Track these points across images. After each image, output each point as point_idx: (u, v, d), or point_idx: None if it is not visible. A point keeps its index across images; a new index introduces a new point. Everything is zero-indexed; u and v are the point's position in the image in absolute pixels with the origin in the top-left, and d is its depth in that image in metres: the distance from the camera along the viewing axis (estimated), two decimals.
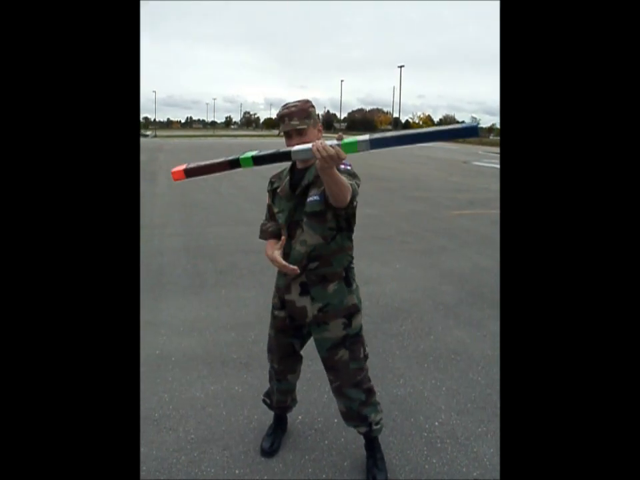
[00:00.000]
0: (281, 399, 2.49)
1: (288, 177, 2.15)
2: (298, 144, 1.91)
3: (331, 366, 2.24)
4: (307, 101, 2.08)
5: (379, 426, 2.32)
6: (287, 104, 2.07)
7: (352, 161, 2.08)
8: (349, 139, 1.61)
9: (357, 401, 2.25)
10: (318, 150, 1.61)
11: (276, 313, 2.30)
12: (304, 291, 2.14)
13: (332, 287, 2.14)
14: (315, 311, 2.14)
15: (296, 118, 2.00)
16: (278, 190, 2.20)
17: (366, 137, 1.61)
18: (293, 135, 2.00)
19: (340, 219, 2.05)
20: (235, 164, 1.88)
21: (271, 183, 2.28)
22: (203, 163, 1.94)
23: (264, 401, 2.59)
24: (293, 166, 2.16)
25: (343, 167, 1.96)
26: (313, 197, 2.04)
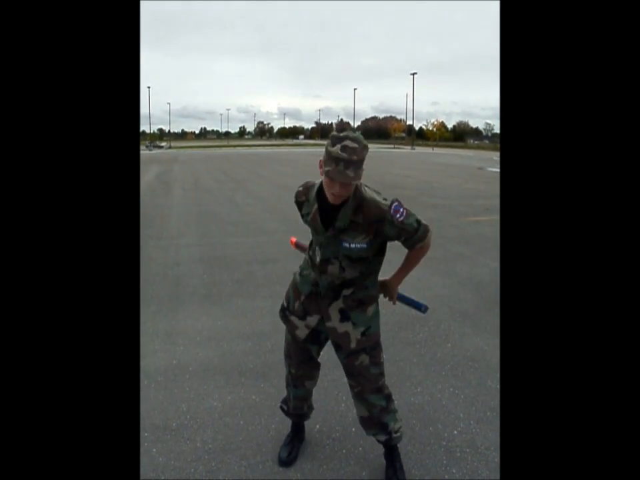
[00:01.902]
0: (297, 405, 2.48)
1: (317, 206, 2.03)
2: (337, 191, 1.85)
3: (351, 372, 2.22)
4: (365, 146, 1.85)
5: (398, 434, 2.31)
6: (345, 140, 1.80)
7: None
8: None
9: (377, 407, 2.23)
10: None
11: (294, 320, 2.25)
12: (344, 317, 2.13)
13: (371, 310, 2.17)
14: (358, 335, 2.14)
15: (352, 168, 1.79)
16: (308, 215, 2.09)
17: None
18: (338, 183, 1.83)
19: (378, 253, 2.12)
20: None
21: (297, 198, 2.15)
22: None
23: (281, 408, 2.59)
24: (321, 193, 2.01)
25: (398, 218, 1.97)
26: (358, 245, 1.98)
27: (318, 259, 2.10)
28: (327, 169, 1.83)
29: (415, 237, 2.04)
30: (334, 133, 1.85)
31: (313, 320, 2.18)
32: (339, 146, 1.79)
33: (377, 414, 2.24)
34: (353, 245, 1.99)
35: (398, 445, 2.39)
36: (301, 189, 2.15)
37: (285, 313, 2.30)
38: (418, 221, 2.04)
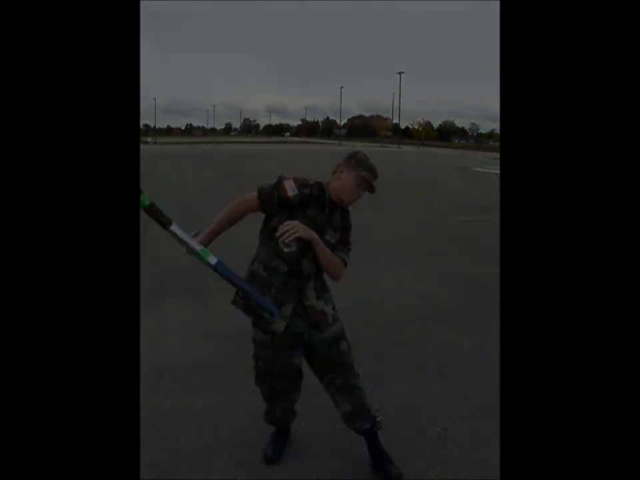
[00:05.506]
0: (284, 414, 2.50)
1: (328, 208, 2.22)
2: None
3: (333, 362, 2.26)
4: None
5: (379, 418, 2.37)
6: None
7: None
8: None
9: (364, 392, 2.30)
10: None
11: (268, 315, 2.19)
12: (319, 295, 2.26)
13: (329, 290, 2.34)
14: (331, 310, 2.28)
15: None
16: (314, 211, 2.21)
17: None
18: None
19: None
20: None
21: (308, 189, 2.23)
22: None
23: (265, 421, 2.56)
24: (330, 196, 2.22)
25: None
26: (332, 239, 2.22)
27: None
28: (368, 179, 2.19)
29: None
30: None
31: (287, 310, 2.19)
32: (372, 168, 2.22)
33: (363, 399, 2.29)
34: (331, 240, 2.22)
35: (381, 443, 2.40)
36: (311, 182, 2.23)
37: (268, 331, 2.28)
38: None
